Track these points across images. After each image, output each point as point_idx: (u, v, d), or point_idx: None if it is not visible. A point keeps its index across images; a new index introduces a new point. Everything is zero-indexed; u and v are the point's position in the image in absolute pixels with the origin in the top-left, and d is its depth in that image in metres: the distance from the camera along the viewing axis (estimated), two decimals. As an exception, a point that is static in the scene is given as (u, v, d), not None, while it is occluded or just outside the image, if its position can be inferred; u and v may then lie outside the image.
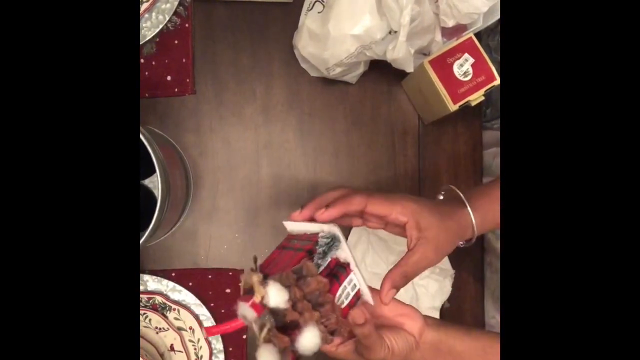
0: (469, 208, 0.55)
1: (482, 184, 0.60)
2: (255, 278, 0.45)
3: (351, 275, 0.51)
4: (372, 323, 0.48)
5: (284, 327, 0.46)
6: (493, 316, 0.83)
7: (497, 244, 0.81)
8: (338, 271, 0.50)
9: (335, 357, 0.52)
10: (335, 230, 0.50)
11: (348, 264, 0.51)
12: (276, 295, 0.44)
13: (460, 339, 0.53)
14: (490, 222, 0.56)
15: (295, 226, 0.53)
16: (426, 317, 0.53)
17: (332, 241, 0.49)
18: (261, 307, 0.45)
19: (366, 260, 0.78)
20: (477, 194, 0.57)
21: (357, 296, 0.51)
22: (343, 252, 0.50)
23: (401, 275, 0.51)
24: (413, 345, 0.51)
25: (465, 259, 0.81)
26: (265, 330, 0.45)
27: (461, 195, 0.56)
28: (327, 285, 0.48)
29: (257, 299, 0.44)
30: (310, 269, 0.47)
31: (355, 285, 0.51)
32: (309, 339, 0.45)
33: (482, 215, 0.55)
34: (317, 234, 0.50)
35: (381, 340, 0.49)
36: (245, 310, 0.45)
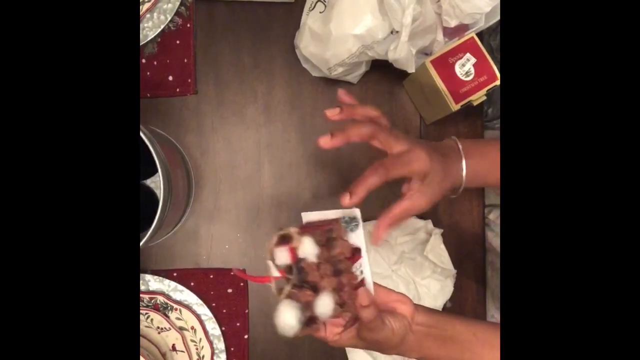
0: (464, 163, 0.57)
1: (480, 139, 0.62)
2: (293, 229, 0.49)
3: (361, 260, 0.52)
4: (375, 305, 0.50)
5: (302, 288, 0.49)
6: (492, 315, 0.83)
7: (498, 243, 0.81)
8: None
9: (339, 345, 0.53)
10: (356, 212, 0.52)
11: (359, 250, 0.52)
12: (309, 247, 0.48)
13: (451, 323, 0.54)
14: (480, 179, 0.59)
15: (313, 216, 0.54)
16: (417, 305, 0.55)
17: (352, 221, 0.52)
18: (295, 254, 0.48)
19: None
20: (473, 149, 0.59)
21: (362, 284, 0.52)
22: (357, 238, 0.52)
23: (393, 218, 0.54)
24: (407, 326, 0.53)
25: (467, 259, 0.82)
26: (288, 287, 0.49)
27: (461, 152, 0.58)
28: (351, 251, 0.51)
29: (295, 244, 0.48)
30: (339, 230, 0.50)
31: (362, 271, 0.52)
32: (324, 303, 0.48)
33: (474, 171, 0.58)
34: (338, 219, 0.52)
35: (383, 321, 0.51)
36: (281, 254, 0.48)
